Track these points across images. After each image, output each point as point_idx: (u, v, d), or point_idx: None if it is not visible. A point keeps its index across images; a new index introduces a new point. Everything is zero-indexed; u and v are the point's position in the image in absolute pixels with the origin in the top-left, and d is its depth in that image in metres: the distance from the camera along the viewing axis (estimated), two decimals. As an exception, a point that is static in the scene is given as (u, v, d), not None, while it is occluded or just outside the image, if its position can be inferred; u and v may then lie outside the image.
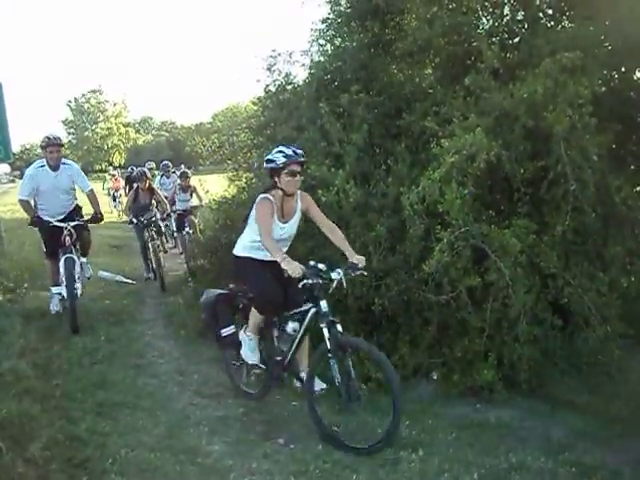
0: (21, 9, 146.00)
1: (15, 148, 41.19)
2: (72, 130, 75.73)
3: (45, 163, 6.44)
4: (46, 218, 6.47)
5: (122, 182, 21.08)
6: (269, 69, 6.96)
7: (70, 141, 75.25)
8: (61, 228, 6.45)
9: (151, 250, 9.15)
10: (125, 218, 10.89)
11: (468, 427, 4.15)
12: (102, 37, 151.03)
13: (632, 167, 5.70)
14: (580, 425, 4.12)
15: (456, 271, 4.54)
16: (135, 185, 9.89)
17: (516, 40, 5.80)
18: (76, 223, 6.55)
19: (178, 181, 10.88)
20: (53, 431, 3.74)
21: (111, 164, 57.23)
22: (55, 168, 6.43)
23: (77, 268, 6.45)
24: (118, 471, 3.40)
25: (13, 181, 53.44)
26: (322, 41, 6.96)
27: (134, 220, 9.18)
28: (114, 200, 21.82)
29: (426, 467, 3.58)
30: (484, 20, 6.02)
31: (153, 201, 9.62)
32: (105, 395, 4.56)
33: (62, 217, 6.59)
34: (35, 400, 4.20)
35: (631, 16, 5.01)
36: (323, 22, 6.88)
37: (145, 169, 10.19)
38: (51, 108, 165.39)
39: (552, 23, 5.80)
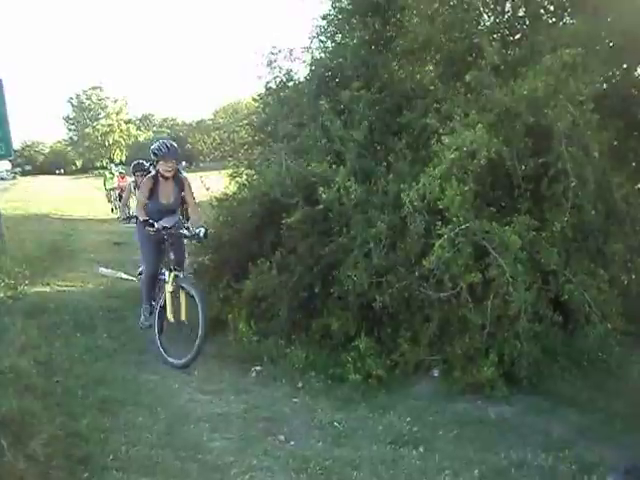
0: (22, 5, 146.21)
1: (16, 145, 41.10)
2: (73, 127, 75.76)
3: None
4: None
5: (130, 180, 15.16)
6: (270, 65, 6.94)
7: (71, 138, 75.43)
8: None
9: (168, 289, 5.54)
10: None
11: (469, 424, 4.15)
12: (103, 34, 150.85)
13: (633, 164, 5.71)
14: (580, 422, 4.12)
15: (457, 267, 4.53)
16: (148, 172, 6.23)
17: (517, 37, 5.83)
18: None
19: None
20: (54, 428, 3.75)
21: (112, 160, 56.89)
22: None
23: None
24: (119, 467, 3.41)
25: (14, 177, 53.45)
26: (323, 38, 6.94)
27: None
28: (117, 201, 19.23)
29: (427, 464, 3.59)
30: (485, 17, 6.04)
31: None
32: (106, 392, 4.56)
33: None
34: (36, 397, 4.21)
35: (632, 12, 5.02)
36: (324, 18, 6.88)
37: (172, 142, 5.94)
38: (52, 105, 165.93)
39: (553, 20, 5.81)
